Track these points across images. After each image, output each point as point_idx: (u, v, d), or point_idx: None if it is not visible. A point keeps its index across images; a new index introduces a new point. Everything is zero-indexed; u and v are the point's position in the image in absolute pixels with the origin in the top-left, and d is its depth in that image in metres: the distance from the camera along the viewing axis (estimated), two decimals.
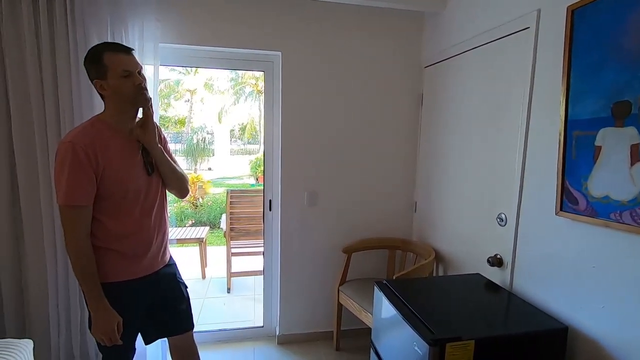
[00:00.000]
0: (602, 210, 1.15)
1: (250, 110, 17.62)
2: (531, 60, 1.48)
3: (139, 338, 1.46)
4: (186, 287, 1.61)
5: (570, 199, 1.27)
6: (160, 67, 2.03)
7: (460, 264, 2.01)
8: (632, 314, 1.09)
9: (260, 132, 16.37)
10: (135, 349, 1.43)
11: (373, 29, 2.34)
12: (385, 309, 1.48)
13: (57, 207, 1.91)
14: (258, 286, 3.55)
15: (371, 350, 1.64)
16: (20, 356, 1.42)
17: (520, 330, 1.24)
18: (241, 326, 2.68)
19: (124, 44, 1.89)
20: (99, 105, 1.89)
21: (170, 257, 1.56)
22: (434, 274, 2.22)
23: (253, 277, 3.63)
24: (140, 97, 1.28)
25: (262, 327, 2.61)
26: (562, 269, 1.33)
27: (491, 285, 1.62)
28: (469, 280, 1.68)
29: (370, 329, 2.37)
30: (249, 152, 18.05)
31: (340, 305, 2.37)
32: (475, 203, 1.88)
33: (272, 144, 2.42)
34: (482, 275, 1.71)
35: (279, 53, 2.26)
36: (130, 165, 1.31)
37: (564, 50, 1.27)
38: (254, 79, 17.60)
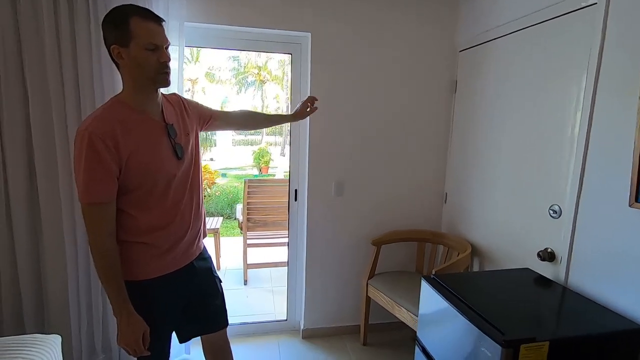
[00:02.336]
0: None
1: (253, 100, 17.43)
2: (599, 39, 1.36)
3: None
4: (220, 281, 1.52)
5: None
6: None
7: (501, 258, 1.92)
8: None
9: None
10: (169, 353, 1.33)
11: (404, 10, 2.21)
12: (438, 305, 1.40)
13: (76, 198, 1.83)
14: (275, 278, 3.47)
15: (416, 347, 1.56)
16: (49, 352, 1.33)
17: (594, 331, 1.15)
18: (263, 319, 2.60)
19: None
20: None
21: (205, 249, 1.45)
22: (469, 269, 2.13)
23: (269, 269, 3.55)
24: (161, 77, 1.13)
25: (286, 320, 2.54)
26: (633, 264, 1.23)
27: (544, 281, 1.54)
28: (519, 275, 1.59)
29: (401, 323, 2.29)
30: (252, 143, 17.93)
31: (368, 299, 2.29)
32: (521, 195, 1.78)
33: (298, 132, 2.31)
34: (532, 270, 1.62)
35: (309, 34, 2.13)
36: (158, 151, 1.17)
37: None
38: (257, 68, 17.38)
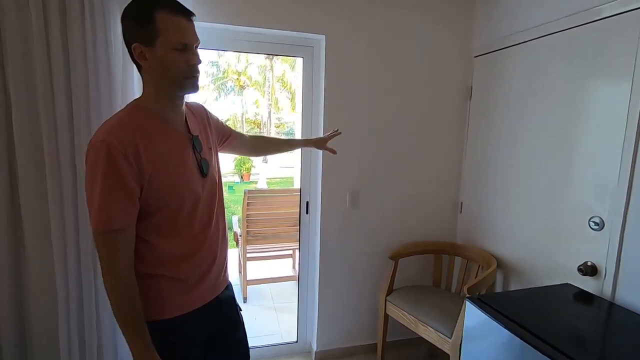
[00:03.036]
0: None
1: (233, 105, 17.08)
2: None
3: None
4: (240, 309, 1.34)
5: None
6: None
7: (530, 273, 1.84)
8: None
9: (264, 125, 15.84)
10: None
11: (418, 14, 2.12)
12: (491, 331, 1.28)
13: (68, 213, 1.60)
14: (276, 295, 3.29)
15: None
16: None
17: None
18: (269, 342, 2.41)
19: None
20: (123, 98, 1.59)
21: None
22: (494, 284, 2.05)
23: (268, 285, 3.36)
24: (190, 82, 0.96)
25: (296, 342, 2.37)
26: None
27: (588, 296, 1.46)
28: (562, 292, 1.51)
29: (418, 339, 2.17)
30: None
31: (386, 317, 2.16)
32: (555, 207, 1.71)
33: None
34: (573, 286, 1.54)
35: (323, 37, 2.00)
36: (184, 167, 1.00)
37: None
38: (236, 73, 17.05)
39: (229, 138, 1.33)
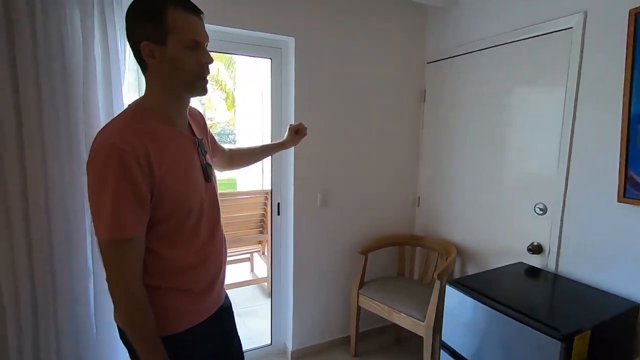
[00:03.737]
0: None
1: (192, 104, 15.95)
2: (577, 58, 1.58)
3: None
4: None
5: (635, 186, 1.39)
6: None
7: (485, 256, 2.08)
8: None
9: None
10: None
11: (380, 22, 2.26)
12: (473, 308, 1.44)
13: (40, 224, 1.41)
14: (236, 301, 3.18)
15: (442, 350, 1.58)
16: None
17: (610, 313, 1.31)
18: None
19: (112, 18, 1.48)
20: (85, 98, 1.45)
21: None
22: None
23: (234, 289, 3.26)
24: (201, 83, 0.93)
25: (270, 345, 2.35)
26: (624, 251, 1.45)
27: (539, 272, 1.71)
28: (517, 269, 1.74)
29: (386, 327, 2.38)
30: None
31: (359, 309, 2.26)
32: (504, 197, 1.95)
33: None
34: (524, 263, 1.79)
35: (292, 39, 2.02)
36: (191, 172, 0.97)
37: (627, 51, 1.38)
38: None
39: (216, 152, 1.29)
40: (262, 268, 3.53)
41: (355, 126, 2.29)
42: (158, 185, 0.86)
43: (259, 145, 1.55)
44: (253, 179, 5.75)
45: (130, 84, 1.63)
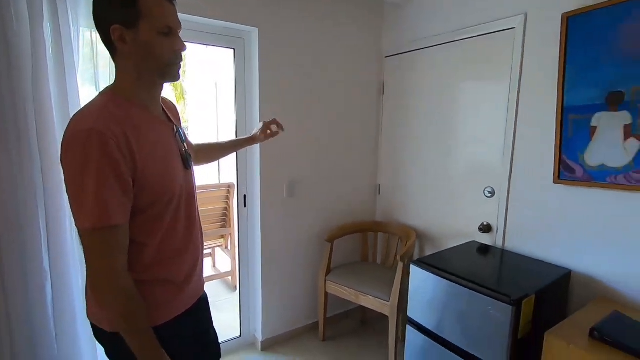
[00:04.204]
0: (599, 176, 1.50)
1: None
2: (519, 56, 1.76)
3: None
4: None
5: (568, 169, 1.60)
6: None
7: (441, 237, 2.25)
8: (625, 254, 1.47)
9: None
10: None
11: (340, 16, 2.31)
12: (434, 284, 1.57)
13: None
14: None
15: (408, 326, 1.71)
16: None
17: (549, 280, 1.51)
18: None
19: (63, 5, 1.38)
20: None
21: None
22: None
23: None
24: (173, 69, 0.92)
25: (240, 336, 2.36)
26: (559, 226, 1.66)
27: (489, 248, 1.90)
28: (471, 247, 1.92)
29: (351, 311, 2.49)
30: None
31: (326, 295, 2.34)
32: (457, 182, 2.13)
33: (245, 133, 2.15)
34: (477, 242, 1.98)
35: (255, 29, 2.01)
36: (170, 159, 0.96)
37: (560, 49, 1.57)
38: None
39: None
40: (225, 262, 3.49)
41: (318, 118, 2.34)
42: (140, 172, 0.84)
43: (228, 140, 1.53)
44: (210, 172, 5.59)
45: (85, 75, 1.53)
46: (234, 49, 2.05)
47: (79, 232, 0.81)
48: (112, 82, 0.92)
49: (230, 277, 3.21)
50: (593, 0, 1.47)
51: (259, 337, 2.33)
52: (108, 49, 0.88)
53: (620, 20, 1.40)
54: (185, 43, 0.93)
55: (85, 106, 0.86)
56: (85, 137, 0.76)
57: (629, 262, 1.46)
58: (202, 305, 1.16)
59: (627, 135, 1.42)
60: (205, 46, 2.03)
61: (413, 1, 2.30)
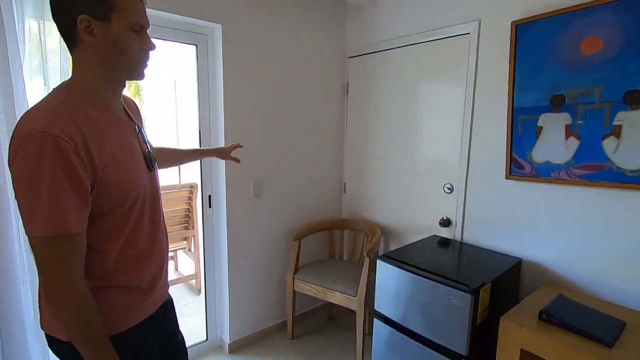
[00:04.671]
0: (544, 172, 1.64)
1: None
2: (474, 59, 1.87)
3: None
4: None
5: (518, 166, 1.73)
6: None
7: (404, 233, 2.34)
8: (567, 243, 1.62)
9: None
10: None
11: (304, 16, 2.33)
12: (399, 277, 1.64)
13: None
14: None
15: (375, 319, 1.77)
16: None
17: (503, 268, 1.63)
18: None
19: None
20: None
21: None
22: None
23: None
24: (141, 68, 0.90)
25: (206, 340, 2.30)
26: (511, 219, 1.80)
27: (447, 241, 2.01)
28: (432, 241, 2.02)
29: (318, 308, 2.56)
30: None
31: (294, 293, 2.35)
32: (419, 180, 2.22)
33: (209, 132, 2.11)
34: (437, 235, 2.08)
35: (219, 26, 1.97)
36: (133, 160, 0.92)
37: (510, 55, 1.69)
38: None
39: None
40: (188, 265, 3.38)
41: (284, 117, 2.34)
42: (100, 176, 0.80)
43: (194, 148, 1.52)
44: (170, 172, 5.38)
45: (32, 70, 1.42)
46: (196, 46, 2.00)
47: (30, 240, 0.76)
48: (67, 78, 0.87)
49: (194, 280, 3.12)
50: (538, 11, 1.60)
51: (227, 340, 2.29)
52: (68, 41, 0.83)
53: (561, 30, 1.54)
54: None
55: (37, 105, 0.81)
56: (38, 140, 0.72)
57: (570, 250, 1.61)
58: (167, 310, 1.13)
59: (568, 135, 1.56)
60: (163, 41, 1.95)
61: (376, 4, 2.36)
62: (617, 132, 1.42)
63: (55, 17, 0.81)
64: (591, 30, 1.46)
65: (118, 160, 0.85)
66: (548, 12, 1.56)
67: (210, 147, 1.53)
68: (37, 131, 0.72)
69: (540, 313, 1.32)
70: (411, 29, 2.16)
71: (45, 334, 0.91)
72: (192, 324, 2.50)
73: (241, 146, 1.61)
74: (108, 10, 0.79)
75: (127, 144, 0.91)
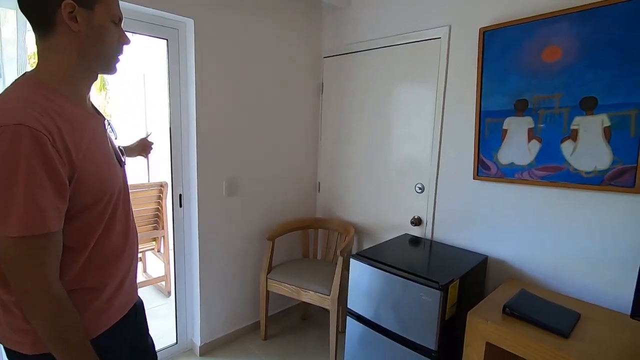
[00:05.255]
0: (509, 173, 1.72)
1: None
2: (445, 63, 1.93)
3: None
4: None
5: (485, 167, 1.80)
6: None
7: (377, 231, 2.38)
8: (530, 240, 1.70)
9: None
10: None
11: (279, 16, 2.31)
12: (372, 276, 1.66)
13: None
14: None
15: (348, 317, 1.78)
16: None
17: (470, 265, 1.69)
18: None
19: None
20: None
21: None
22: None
23: None
24: (115, 61, 0.88)
25: (176, 344, 2.24)
26: (478, 218, 1.87)
27: (418, 239, 2.06)
28: (404, 239, 2.06)
29: (292, 308, 2.58)
30: None
31: (267, 293, 2.33)
32: (391, 180, 2.27)
33: (180, 129, 2.05)
34: (409, 234, 2.13)
35: (191, 20, 1.92)
36: (107, 156, 0.89)
37: (477, 60, 1.76)
38: None
39: None
40: (157, 267, 3.27)
41: (257, 115, 2.31)
42: (77, 172, 0.77)
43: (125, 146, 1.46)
44: (137, 170, 5.19)
45: None
46: (167, 40, 1.94)
47: (3, 239, 0.70)
48: (26, 70, 0.83)
49: (163, 282, 3.02)
50: (505, 18, 1.68)
51: (197, 342, 2.24)
52: (43, 27, 0.78)
53: (525, 38, 1.61)
54: None
55: (4, 96, 0.76)
56: (14, 133, 0.67)
57: (532, 247, 1.69)
58: (138, 312, 1.10)
59: (530, 137, 1.64)
60: (132, 34, 1.87)
61: (351, 4, 2.39)
62: (574, 135, 1.52)
63: (30, 2, 0.77)
64: (552, 39, 1.54)
65: (93, 156, 0.82)
66: (513, 21, 1.63)
67: (132, 144, 1.48)
68: (12, 123, 0.68)
69: (504, 307, 1.38)
70: (385, 31, 2.20)
71: (5, 348, 0.85)
72: (161, 327, 2.42)
73: (149, 134, 1.53)
74: (92, 0, 0.79)
75: (100, 139, 0.88)
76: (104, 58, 0.84)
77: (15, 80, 0.80)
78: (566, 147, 1.54)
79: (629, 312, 1.27)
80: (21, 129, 0.68)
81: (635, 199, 1.40)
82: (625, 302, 1.41)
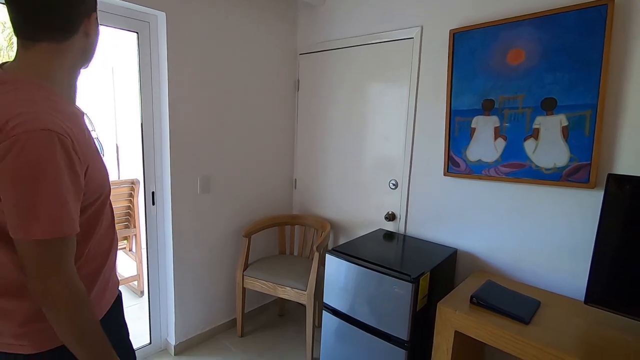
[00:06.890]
0: (477, 169, 1.80)
1: None
2: (417, 63, 1.99)
3: None
4: None
5: (454, 164, 1.87)
6: None
7: (352, 227, 2.43)
8: (496, 234, 1.79)
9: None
10: None
11: (254, 12, 2.30)
12: (346, 270, 1.70)
13: None
14: None
15: (324, 311, 1.82)
16: None
17: (441, 258, 1.76)
18: None
19: None
20: None
21: None
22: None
23: None
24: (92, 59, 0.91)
25: (150, 344, 2.20)
26: (448, 213, 1.94)
27: (392, 234, 2.12)
28: (378, 234, 2.12)
29: (268, 304, 2.60)
30: None
31: (244, 290, 2.33)
32: (366, 176, 2.31)
33: (152, 125, 2.00)
34: (383, 229, 2.19)
35: (163, 14, 1.88)
36: (97, 153, 0.91)
37: (448, 61, 1.82)
38: None
39: None
40: (128, 266, 3.18)
41: (233, 112, 2.29)
42: (88, 170, 0.80)
43: None
44: (108, 167, 5.00)
45: None
46: (137, 33, 1.89)
47: (21, 243, 0.71)
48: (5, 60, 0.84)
49: (136, 282, 2.95)
50: (473, 21, 1.74)
51: (172, 342, 2.21)
52: (61, 33, 0.79)
53: (492, 41, 1.69)
54: None
55: (14, 98, 0.73)
56: (43, 138, 0.68)
57: (498, 240, 1.79)
58: (119, 307, 1.11)
59: (496, 136, 1.73)
60: (100, 27, 1.82)
61: (325, 3, 2.40)
62: (536, 134, 1.61)
63: (56, 10, 0.77)
64: (516, 42, 1.62)
65: (92, 154, 0.84)
66: (481, 24, 1.71)
67: None
68: (39, 129, 0.68)
69: (471, 297, 1.45)
70: (359, 30, 2.24)
71: (2, 352, 0.84)
72: (134, 327, 2.35)
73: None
74: (94, 5, 0.84)
75: (89, 135, 0.89)
76: (89, 60, 0.88)
77: (23, 81, 0.77)
78: (529, 145, 1.63)
79: (583, 299, 1.37)
80: (52, 135, 0.69)
81: (590, 193, 1.51)
82: (582, 289, 1.52)
